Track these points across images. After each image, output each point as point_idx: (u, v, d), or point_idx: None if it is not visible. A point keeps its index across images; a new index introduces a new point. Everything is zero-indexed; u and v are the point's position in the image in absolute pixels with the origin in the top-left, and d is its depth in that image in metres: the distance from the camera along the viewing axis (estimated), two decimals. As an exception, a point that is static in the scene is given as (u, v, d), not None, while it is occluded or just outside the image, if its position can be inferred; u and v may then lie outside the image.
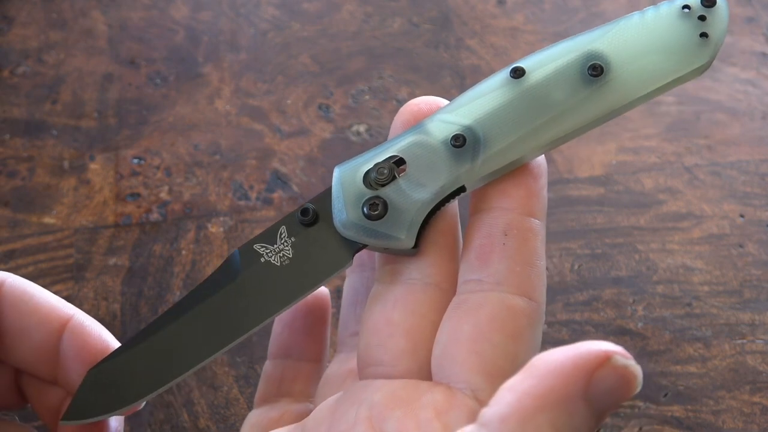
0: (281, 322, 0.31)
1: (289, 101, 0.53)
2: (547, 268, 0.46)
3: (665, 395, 0.42)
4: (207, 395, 0.40)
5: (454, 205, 0.26)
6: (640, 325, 0.44)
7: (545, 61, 0.25)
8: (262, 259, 0.26)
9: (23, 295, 0.26)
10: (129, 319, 0.43)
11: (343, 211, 0.25)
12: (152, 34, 0.56)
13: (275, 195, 0.48)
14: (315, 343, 0.31)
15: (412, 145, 0.25)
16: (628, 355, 0.20)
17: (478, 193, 0.26)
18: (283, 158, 0.50)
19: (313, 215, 0.26)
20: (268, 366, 0.31)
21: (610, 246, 0.47)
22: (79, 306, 0.43)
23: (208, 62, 0.54)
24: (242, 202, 0.48)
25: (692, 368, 0.43)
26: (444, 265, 0.25)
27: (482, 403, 0.22)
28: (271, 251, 0.26)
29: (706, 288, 0.45)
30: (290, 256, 0.26)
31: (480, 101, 0.25)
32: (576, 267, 0.46)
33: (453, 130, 0.25)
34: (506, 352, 0.22)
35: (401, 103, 0.52)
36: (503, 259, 0.24)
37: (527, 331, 0.23)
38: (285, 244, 0.26)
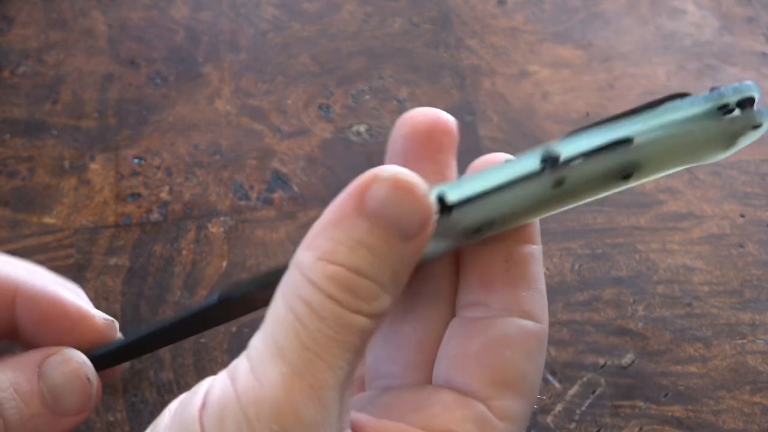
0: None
1: (289, 101, 0.53)
2: (547, 268, 0.46)
3: (665, 395, 0.42)
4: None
5: None
6: (640, 325, 0.44)
7: (585, 169, 0.23)
8: None
9: None
10: (129, 319, 0.43)
11: None
12: (152, 34, 0.56)
13: (275, 195, 0.48)
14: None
15: None
16: (406, 171, 0.20)
17: None
18: (284, 158, 0.50)
19: None
20: None
21: (611, 246, 0.47)
22: (80, 306, 0.43)
23: (208, 62, 0.54)
24: (242, 202, 0.48)
25: (693, 368, 0.43)
26: (451, 279, 0.25)
27: (493, 411, 0.22)
28: None
29: (706, 288, 0.45)
30: None
31: (504, 196, 0.23)
32: (576, 267, 0.46)
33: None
34: (517, 367, 0.23)
35: (401, 103, 0.52)
36: (507, 285, 0.24)
37: (536, 352, 0.23)
38: None
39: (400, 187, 0.20)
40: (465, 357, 0.23)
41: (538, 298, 0.24)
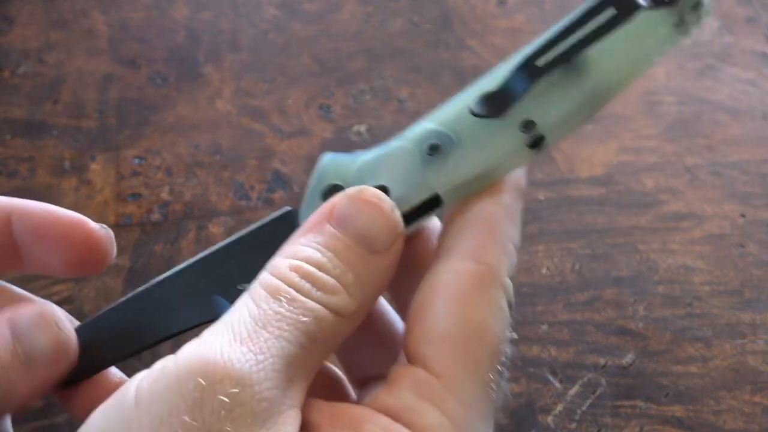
0: None
1: (289, 101, 0.53)
2: (547, 268, 0.46)
3: (666, 395, 0.42)
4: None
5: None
6: (641, 325, 0.44)
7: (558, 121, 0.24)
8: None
9: None
10: (130, 319, 0.43)
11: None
12: (153, 35, 0.56)
13: (276, 195, 0.48)
14: None
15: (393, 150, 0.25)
16: (372, 188, 0.22)
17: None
18: (284, 158, 0.50)
19: None
20: None
21: (611, 246, 0.47)
22: (80, 306, 0.43)
23: (208, 62, 0.54)
24: (243, 202, 0.48)
25: (693, 368, 0.43)
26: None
27: (430, 370, 0.21)
28: None
29: (706, 288, 0.45)
30: None
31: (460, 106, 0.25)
32: (577, 267, 0.46)
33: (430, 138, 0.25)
34: (450, 317, 0.22)
35: (402, 102, 0.52)
36: (459, 233, 0.23)
37: (475, 291, 0.22)
38: None
39: (365, 201, 0.22)
40: (407, 320, 0.23)
41: (490, 242, 0.23)
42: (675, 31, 0.24)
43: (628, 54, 0.24)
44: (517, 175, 0.24)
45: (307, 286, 0.21)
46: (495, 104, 0.24)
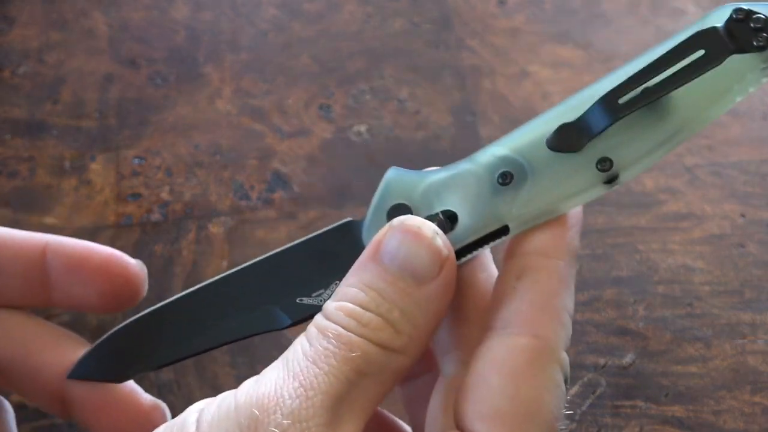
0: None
1: (289, 101, 0.53)
2: (547, 268, 0.46)
3: (666, 395, 0.42)
4: (208, 395, 0.40)
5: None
6: (641, 325, 0.44)
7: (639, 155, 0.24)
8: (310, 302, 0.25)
9: (28, 344, 0.26)
10: (130, 319, 0.43)
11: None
12: (153, 35, 0.56)
13: (276, 195, 0.48)
14: None
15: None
16: (415, 217, 0.22)
17: (510, 242, 0.24)
18: (284, 158, 0.50)
19: None
20: None
21: (611, 246, 0.47)
22: (80, 306, 0.43)
23: (208, 62, 0.54)
24: (243, 203, 0.48)
25: (693, 368, 0.43)
26: None
27: None
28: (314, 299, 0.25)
29: (706, 288, 0.45)
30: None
31: (534, 132, 0.24)
32: (577, 267, 0.46)
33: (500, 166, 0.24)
34: (504, 393, 0.21)
35: (402, 102, 0.52)
36: (511, 303, 0.23)
37: (529, 367, 0.22)
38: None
39: (407, 231, 0.22)
40: (459, 394, 0.22)
41: (543, 312, 0.22)
42: (762, 74, 0.23)
43: (713, 96, 0.23)
44: (577, 212, 0.24)
45: (353, 323, 0.21)
46: (573, 137, 0.24)
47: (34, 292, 0.26)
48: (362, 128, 0.51)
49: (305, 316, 0.24)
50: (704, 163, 0.50)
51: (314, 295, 0.25)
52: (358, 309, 0.21)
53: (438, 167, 0.25)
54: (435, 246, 0.22)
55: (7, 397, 0.29)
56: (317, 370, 0.20)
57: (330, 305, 0.22)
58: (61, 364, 0.26)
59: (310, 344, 0.21)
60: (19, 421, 0.30)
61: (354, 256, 0.23)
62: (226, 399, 0.21)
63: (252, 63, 0.54)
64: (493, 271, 0.25)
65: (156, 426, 0.23)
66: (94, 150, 0.50)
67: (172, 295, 0.46)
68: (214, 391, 0.40)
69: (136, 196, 0.48)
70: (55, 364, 0.26)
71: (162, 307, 0.26)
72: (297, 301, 0.25)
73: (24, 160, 0.49)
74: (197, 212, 0.48)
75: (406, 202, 0.24)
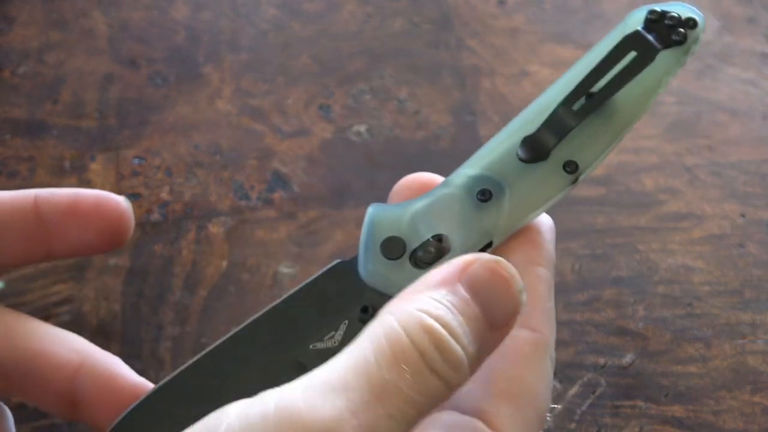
0: None
1: (289, 101, 0.53)
2: (547, 268, 0.46)
3: (666, 395, 0.42)
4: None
5: None
6: (640, 325, 0.44)
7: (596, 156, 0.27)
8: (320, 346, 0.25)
9: (33, 347, 0.26)
10: (129, 319, 0.43)
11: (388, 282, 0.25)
12: (153, 35, 0.56)
13: (276, 195, 0.48)
14: None
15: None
16: (507, 263, 0.21)
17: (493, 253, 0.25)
18: (284, 158, 0.50)
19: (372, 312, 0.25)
20: None
21: (611, 246, 0.47)
22: (80, 306, 0.43)
23: (208, 62, 0.54)
24: (243, 202, 0.48)
25: (693, 368, 0.43)
26: None
27: (490, 424, 0.22)
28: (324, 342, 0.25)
29: (706, 288, 0.45)
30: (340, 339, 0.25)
31: (499, 150, 0.26)
32: (576, 267, 0.46)
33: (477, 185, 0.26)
34: (510, 376, 0.23)
35: (402, 103, 0.52)
36: None
37: (531, 357, 0.24)
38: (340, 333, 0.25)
39: (498, 273, 0.21)
40: None
41: (538, 313, 0.24)
42: (683, 59, 0.27)
43: (648, 87, 0.26)
44: (550, 225, 0.28)
45: (436, 355, 0.19)
46: (538, 147, 0.26)
47: (35, 246, 0.26)
48: (362, 128, 0.51)
49: (322, 360, 0.24)
50: (704, 163, 0.50)
51: (326, 338, 0.24)
52: (446, 336, 0.19)
53: (415, 198, 0.26)
54: (518, 299, 0.21)
55: (6, 401, 0.29)
56: (381, 411, 0.18)
57: (412, 317, 0.19)
58: (67, 364, 0.26)
59: (378, 367, 0.19)
60: (19, 421, 0.30)
61: (357, 293, 0.23)
62: (267, 413, 0.18)
63: (252, 63, 0.54)
64: None
65: None
66: (94, 150, 0.50)
67: (172, 295, 0.46)
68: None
69: (136, 196, 0.48)
70: (61, 365, 0.26)
71: (173, 379, 0.25)
72: (311, 347, 0.24)
73: (24, 160, 0.49)
74: (197, 212, 0.48)
75: (397, 234, 0.25)
